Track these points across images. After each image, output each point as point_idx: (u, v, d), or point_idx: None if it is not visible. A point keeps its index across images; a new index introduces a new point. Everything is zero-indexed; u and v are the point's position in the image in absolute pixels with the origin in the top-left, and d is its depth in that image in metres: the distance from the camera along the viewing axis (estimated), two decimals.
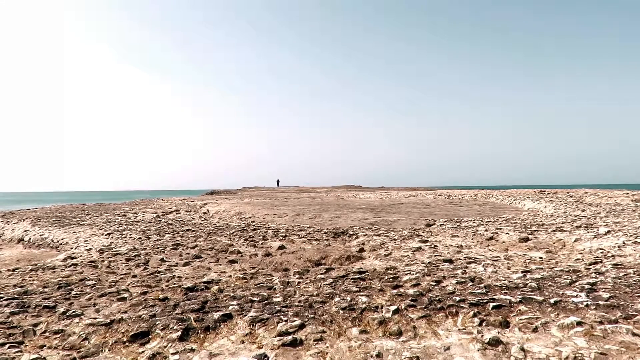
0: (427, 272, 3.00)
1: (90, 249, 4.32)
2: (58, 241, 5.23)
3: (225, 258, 3.84)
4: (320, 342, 1.83)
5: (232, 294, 2.56)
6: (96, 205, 11.85)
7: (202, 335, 1.95)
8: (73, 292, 2.63)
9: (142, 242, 4.75)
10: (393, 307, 2.21)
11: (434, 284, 2.68)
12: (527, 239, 4.43)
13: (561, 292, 2.39)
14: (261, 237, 5.11)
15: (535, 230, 4.92)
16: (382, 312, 2.18)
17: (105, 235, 5.34)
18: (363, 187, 29.99)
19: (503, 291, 2.46)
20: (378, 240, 4.61)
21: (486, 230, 5.10)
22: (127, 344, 1.88)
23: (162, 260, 3.69)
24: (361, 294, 2.50)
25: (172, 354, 1.75)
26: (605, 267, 3.02)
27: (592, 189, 11.58)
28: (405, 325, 2.01)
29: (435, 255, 3.69)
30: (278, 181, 43.19)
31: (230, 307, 2.28)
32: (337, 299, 2.41)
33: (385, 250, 4.05)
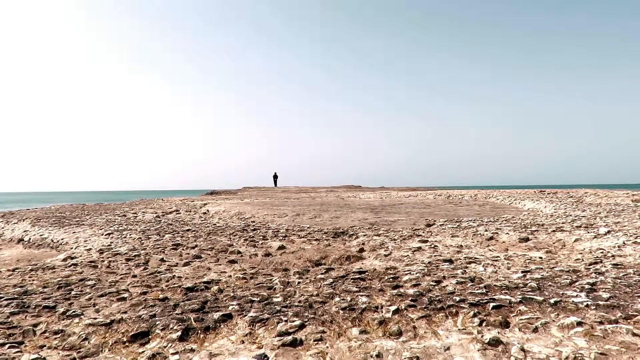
0: (427, 272, 3.00)
1: (90, 249, 4.31)
2: (58, 241, 5.23)
3: (225, 258, 3.84)
4: (320, 342, 1.83)
5: (232, 294, 2.56)
6: (96, 205, 11.85)
7: (202, 336, 1.95)
8: (73, 292, 2.63)
9: (142, 242, 4.75)
10: (393, 307, 2.21)
11: (434, 284, 2.68)
12: (527, 239, 4.42)
13: (561, 292, 2.39)
14: (261, 237, 5.11)
15: (535, 230, 4.92)
16: (382, 312, 2.18)
17: (105, 235, 5.33)
18: (363, 187, 29.97)
19: (503, 291, 2.46)
20: (378, 240, 4.61)
21: (486, 230, 5.10)
22: (127, 344, 1.88)
23: (162, 260, 3.69)
24: (361, 294, 2.50)
25: (172, 354, 1.75)
26: (605, 267, 3.02)
27: (592, 189, 11.58)
28: (405, 326, 2.00)
29: (435, 255, 3.69)
30: (276, 176, 35.90)
31: (230, 307, 2.28)
32: (337, 299, 2.40)
33: (385, 250, 4.05)
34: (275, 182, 36.20)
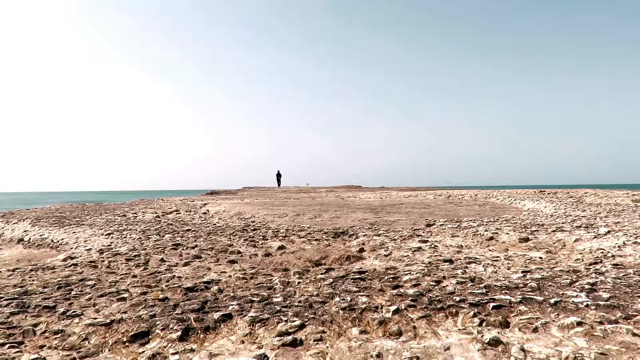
0: (427, 272, 2.99)
1: (90, 249, 4.31)
2: (58, 241, 5.23)
3: (225, 258, 3.84)
4: (320, 342, 1.83)
5: (232, 294, 2.56)
6: (96, 205, 11.84)
7: (202, 336, 1.95)
8: (73, 292, 2.63)
9: (142, 242, 4.75)
10: (393, 307, 2.21)
11: (434, 284, 2.68)
12: (527, 239, 4.42)
13: (561, 292, 2.39)
14: (261, 237, 5.11)
15: (535, 231, 4.92)
16: (382, 312, 2.18)
17: (105, 235, 5.33)
18: (363, 187, 29.94)
19: (503, 291, 2.46)
20: (378, 240, 4.61)
21: (486, 231, 5.09)
22: (127, 344, 1.88)
23: (162, 260, 3.69)
24: (361, 294, 2.50)
25: (172, 354, 1.75)
26: (605, 267, 3.02)
27: (592, 189, 11.58)
28: (405, 326, 2.00)
29: (435, 256, 3.69)
30: (279, 175, 32.98)
31: (230, 307, 2.28)
32: (337, 299, 2.40)
33: (385, 250, 4.05)
34: (278, 181, 33.58)
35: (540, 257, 3.55)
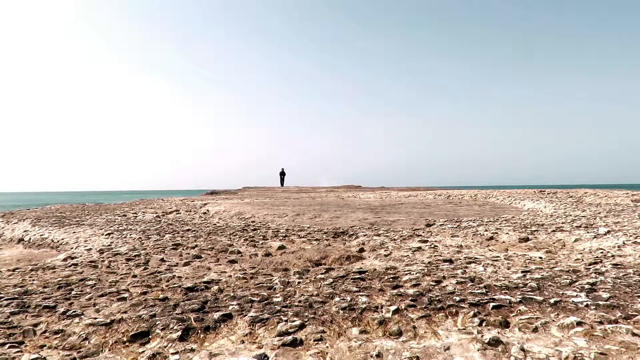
0: (427, 272, 3.00)
1: (90, 249, 4.32)
2: (58, 241, 5.23)
3: (225, 258, 3.84)
4: (320, 342, 1.83)
5: (232, 294, 2.56)
6: (96, 205, 11.84)
7: (202, 335, 1.95)
8: (73, 292, 2.63)
9: (142, 242, 4.75)
10: (393, 307, 2.21)
11: (434, 284, 2.68)
12: (527, 239, 4.43)
13: (561, 292, 2.39)
14: (261, 237, 5.11)
15: (535, 230, 4.92)
16: (382, 312, 2.18)
17: (105, 235, 5.33)
18: (363, 187, 29.90)
19: (503, 291, 2.46)
20: (378, 240, 4.61)
21: (486, 230, 5.10)
22: (127, 344, 1.88)
23: (162, 260, 3.69)
24: (361, 294, 2.50)
25: (172, 354, 1.75)
26: (605, 267, 3.02)
27: (592, 189, 11.58)
28: (405, 325, 2.01)
29: (435, 255, 3.69)
30: (283, 174, 30.64)
31: (230, 307, 2.28)
32: (337, 299, 2.41)
33: (385, 250, 4.05)
34: (282, 180, 31.50)
35: (540, 257, 3.55)
